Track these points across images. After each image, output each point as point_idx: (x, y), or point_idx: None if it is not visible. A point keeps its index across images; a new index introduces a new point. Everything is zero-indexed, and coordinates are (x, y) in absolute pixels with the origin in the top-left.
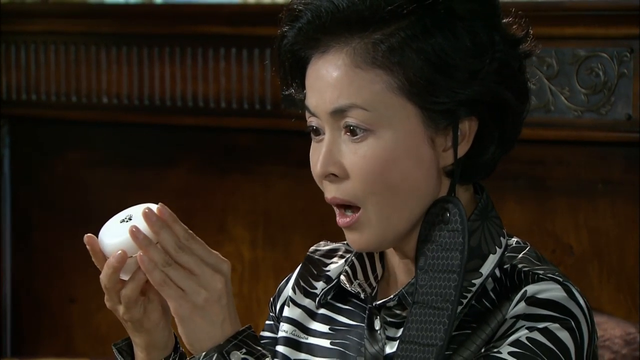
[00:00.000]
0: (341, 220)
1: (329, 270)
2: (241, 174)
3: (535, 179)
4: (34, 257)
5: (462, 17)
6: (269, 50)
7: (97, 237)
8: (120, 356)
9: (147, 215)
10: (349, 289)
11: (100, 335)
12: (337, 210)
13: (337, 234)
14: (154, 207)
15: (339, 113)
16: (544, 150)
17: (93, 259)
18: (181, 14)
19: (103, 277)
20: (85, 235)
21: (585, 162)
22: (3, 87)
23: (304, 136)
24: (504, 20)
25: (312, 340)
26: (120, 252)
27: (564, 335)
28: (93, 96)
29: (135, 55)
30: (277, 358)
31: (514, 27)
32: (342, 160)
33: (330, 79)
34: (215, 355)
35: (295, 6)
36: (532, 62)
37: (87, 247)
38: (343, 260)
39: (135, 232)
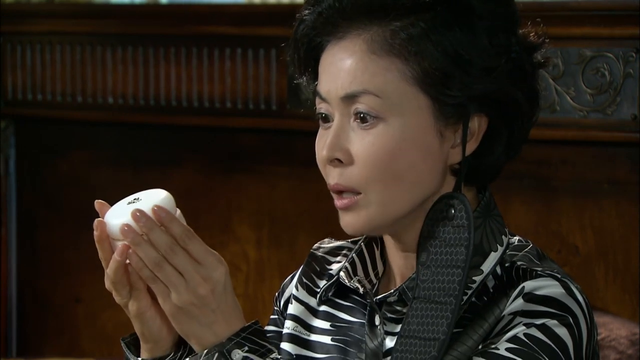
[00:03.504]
0: (339, 202)
1: (332, 269)
2: (246, 174)
3: (540, 179)
4: (39, 257)
5: (481, 16)
6: (274, 50)
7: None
8: (127, 350)
9: (136, 216)
10: (348, 284)
11: (105, 335)
12: (334, 195)
13: (342, 233)
14: (163, 193)
15: (350, 99)
16: (550, 150)
17: (97, 246)
18: (186, 14)
19: (109, 271)
20: (96, 220)
21: (591, 162)
22: (8, 87)
23: (309, 136)
24: (522, 31)
25: (314, 337)
26: (122, 245)
27: (562, 332)
28: (98, 96)
29: (141, 55)
30: (281, 355)
31: (531, 34)
32: (348, 146)
33: (344, 65)
34: (217, 354)
35: None
36: None
37: (95, 232)
38: (346, 259)
39: (126, 230)
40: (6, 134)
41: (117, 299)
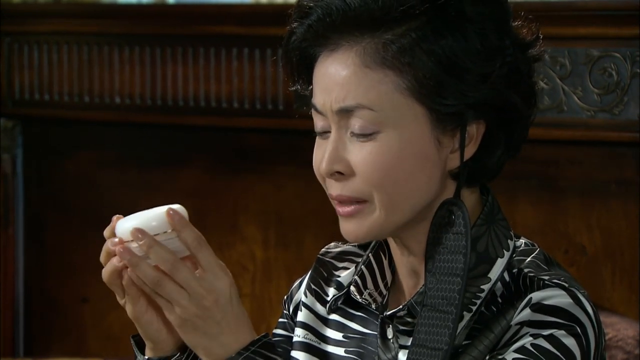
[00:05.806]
0: (344, 209)
1: (339, 276)
2: (253, 174)
3: (548, 179)
4: (47, 257)
5: (472, 19)
6: (281, 50)
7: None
8: (136, 348)
9: (136, 236)
10: (360, 300)
11: (112, 335)
12: (335, 203)
13: None
14: (175, 207)
15: (345, 112)
16: (557, 150)
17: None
18: (193, 14)
19: (103, 272)
20: (115, 216)
21: (598, 162)
22: (15, 87)
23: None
24: (514, 24)
25: (326, 347)
26: (117, 239)
27: (569, 342)
28: (105, 96)
29: (148, 55)
30: None
31: (523, 30)
32: (348, 158)
33: (338, 78)
34: None
35: (305, 3)
36: (544, 62)
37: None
38: (354, 267)
39: (123, 252)
40: (13, 134)
41: (117, 298)
